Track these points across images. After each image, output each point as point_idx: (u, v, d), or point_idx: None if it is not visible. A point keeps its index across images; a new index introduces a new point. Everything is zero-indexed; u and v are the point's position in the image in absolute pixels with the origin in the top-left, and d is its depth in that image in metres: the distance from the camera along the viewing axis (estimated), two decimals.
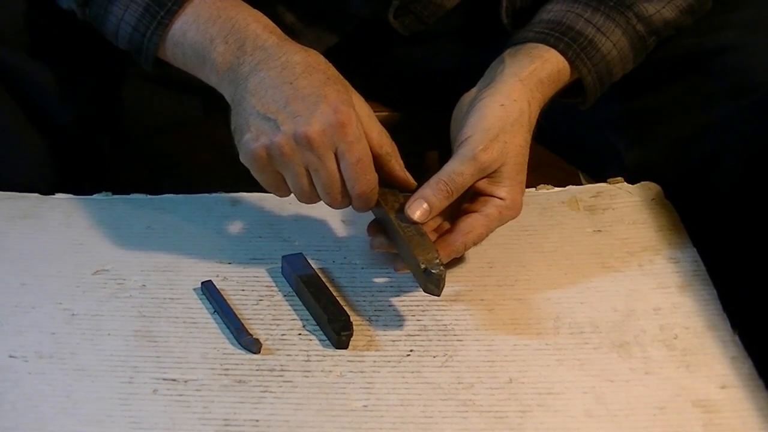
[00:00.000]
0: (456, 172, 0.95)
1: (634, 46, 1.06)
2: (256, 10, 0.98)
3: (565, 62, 1.03)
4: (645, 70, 1.09)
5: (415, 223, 0.94)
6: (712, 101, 1.08)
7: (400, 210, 0.95)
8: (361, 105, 0.95)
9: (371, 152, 0.94)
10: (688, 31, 1.10)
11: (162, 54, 0.99)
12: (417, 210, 0.94)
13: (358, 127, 0.92)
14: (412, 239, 0.93)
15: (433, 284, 0.92)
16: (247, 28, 0.96)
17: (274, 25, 0.98)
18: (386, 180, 0.96)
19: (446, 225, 0.98)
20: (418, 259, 0.92)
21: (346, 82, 0.95)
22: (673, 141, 1.10)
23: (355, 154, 0.91)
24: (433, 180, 0.95)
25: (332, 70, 0.94)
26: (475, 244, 0.97)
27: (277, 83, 0.92)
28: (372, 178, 0.93)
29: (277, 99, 0.92)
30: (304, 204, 0.97)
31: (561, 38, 1.03)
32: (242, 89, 0.93)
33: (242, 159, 0.94)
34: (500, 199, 0.96)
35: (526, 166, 0.98)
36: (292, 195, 0.96)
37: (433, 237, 0.96)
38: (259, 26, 0.96)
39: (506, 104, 0.98)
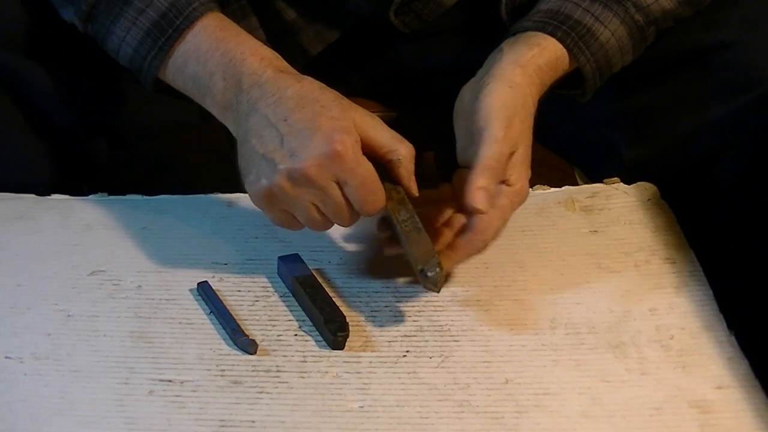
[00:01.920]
0: (498, 153, 0.94)
1: (633, 36, 1.06)
2: (254, 40, 0.98)
3: (564, 50, 1.02)
4: (643, 66, 1.09)
5: (413, 216, 0.93)
6: (711, 98, 1.08)
7: (400, 203, 0.94)
8: (364, 119, 0.94)
9: (382, 158, 0.94)
10: (687, 27, 1.10)
11: (162, 76, 1.00)
12: (481, 199, 0.93)
13: (355, 150, 0.91)
14: (409, 236, 0.93)
15: (431, 284, 0.92)
16: (243, 63, 0.95)
17: (271, 55, 0.97)
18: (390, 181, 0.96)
19: (456, 216, 0.97)
20: (416, 259, 0.92)
21: (347, 102, 0.94)
22: (672, 138, 1.10)
23: (358, 179, 0.91)
24: (481, 168, 0.93)
25: (327, 96, 0.93)
26: (494, 239, 0.96)
27: (273, 121, 0.92)
28: (379, 197, 0.92)
29: (274, 137, 0.91)
30: None
31: (559, 26, 1.02)
32: (243, 129, 0.94)
33: (251, 200, 0.94)
34: (509, 185, 0.96)
35: (531, 151, 0.98)
36: None
37: (446, 232, 0.96)
38: (255, 60, 0.95)
39: (513, 87, 0.97)
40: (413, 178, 0.96)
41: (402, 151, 0.94)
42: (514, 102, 0.97)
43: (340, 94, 0.94)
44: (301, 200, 0.92)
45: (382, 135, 0.94)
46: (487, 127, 0.95)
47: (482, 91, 0.97)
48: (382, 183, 0.94)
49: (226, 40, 0.97)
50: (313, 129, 0.90)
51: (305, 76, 0.95)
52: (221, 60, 0.96)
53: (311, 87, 0.94)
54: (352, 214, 0.93)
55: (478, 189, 0.93)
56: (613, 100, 1.12)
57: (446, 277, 0.96)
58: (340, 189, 0.91)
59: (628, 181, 1.11)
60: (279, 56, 0.97)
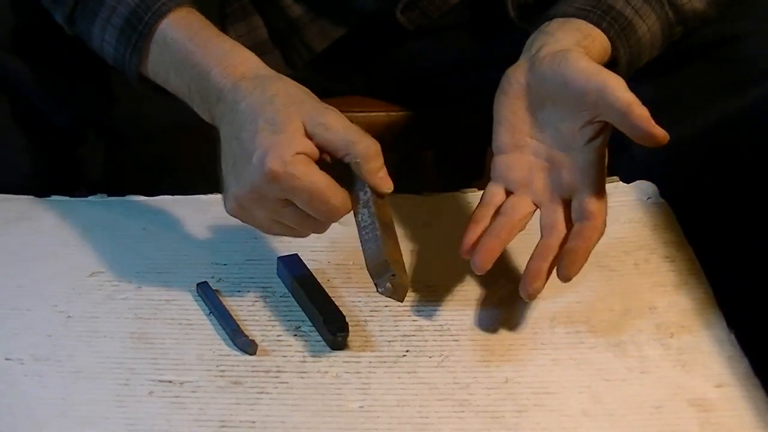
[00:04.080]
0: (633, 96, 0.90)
1: (664, 32, 1.05)
2: (220, 47, 0.95)
3: (608, 42, 1.00)
4: (660, 58, 1.08)
5: (373, 222, 0.89)
6: (723, 91, 1.08)
7: (365, 205, 0.90)
8: (315, 120, 0.88)
9: (341, 160, 0.89)
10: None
11: (146, 73, 0.99)
12: (650, 129, 0.87)
13: (293, 166, 0.86)
14: (366, 244, 0.89)
15: (388, 294, 0.88)
16: (209, 75, 0.93)
17: (237, 61, 0.94)
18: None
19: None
20: (369, 271, 0.89)
21: (293, 109, 0.89)
22: (681, 133, 1.09)
23: (303, 195, 0.87)
24: (636, 102, 0.89)
25: (273, 106, 0.89)
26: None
27: (229, 139, 0.91)
28: (337, 201, 0.88)
29: (228, 158, 0.91)
30: None
31: (603, 17, 1.00)
32: (219, 144, 0.93)
33: None
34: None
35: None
36: None
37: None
38: (218, 70, 0.93)
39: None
40: (379, 175, 0.90)
41: (359, 150, 0.89)
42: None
43: (296, 94, 0.90)
44: (261, 219, 0.91)
45: (336, 136, 0.89)
46: (605, 81, 0.90)
47: (567, 59, 0.92)
48: (353, 182, 0.90)
49: (193, 53, 0.95)
50: (251, 151, 0.88)
51: (265, 78, 0.92)
52: (191, 74, 0.95)
53: (261, 97, 0.90)
54: (317, 223, 0.90)
55: (650, 118, 0.87)
56: None
57: (405, 289, 0.89)
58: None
59: (636, 175, 1.10)
60: (247, 57, 0.94)
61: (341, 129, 0.89)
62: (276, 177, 0.86)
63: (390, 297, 0.89)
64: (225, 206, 0.93)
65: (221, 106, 0.92)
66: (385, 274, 0.88)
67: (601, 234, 0.93)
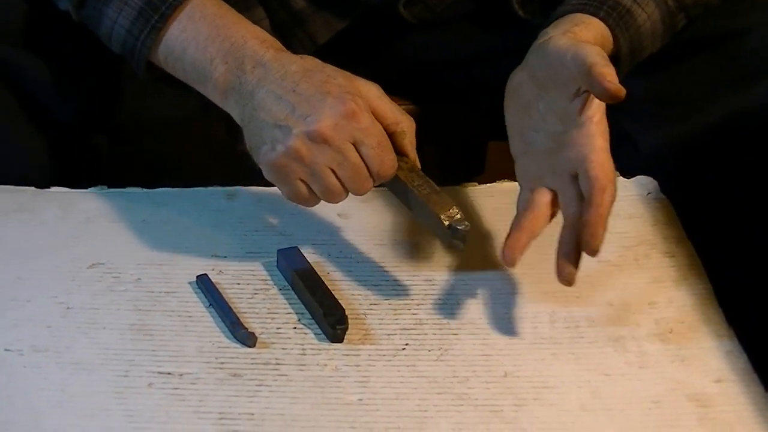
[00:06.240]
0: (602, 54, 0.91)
1: (665, 21, 1.05)
2: (253, 25, 0.99)
3: (608, 30, 1.00)
4: (664, 51, 1.08)
5: (427, 181, 0.94)
6: (726, 85, 1.08)
7: (411, 170, 0.95)
8: (368, 88, 0.95)
9: (386, 128, 0.94)
10: (711, 13, 1.09)
11: (156, 60, 1.00)
12: (602, 83, 0.88)
13: (368, 111, 0.92)
14: (429, 198, 0.93)
15: (459, 239, 0.92)
16: (245, 46, 0.96)
17: (272, 38, 0.98)
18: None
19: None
20: (441, 216, 0.92)
21: (349, 73, 0.95)
22: (691, 127, 1.09)
23: (374, 138, 0.92)
24: (601, 56, 0.90)
25: (330, 68, 0.95)
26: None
27: (281, 93, 0.93)
28: (393, 157, 0.94)
29: (284, 107, 0.92)
30: None
31: (600, 7, 1.01)
32: (249, 107, 0.94)
33: (266, 174, 0.94)
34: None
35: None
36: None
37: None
38: (256, 42, 0.97)
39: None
40: (415, 150, 0.96)
41: (406, 122, 0.96)
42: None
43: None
44: (318, 164, 0.92)
45: (386, 106, 0.95)
46: (580, 49, 0.91)
47: (549, 43, 0.94)
48: None
49: (226, 27, 0.97)
50: (323, 93, 0.92)
51: (306, 55, 0.97)
52: (222, 45, 0.96)
53: (313, 61, 0.95)
54: (368, 178, 0.93)
55: (611, 74, 0.88)
56: (629, 86, 1.11)
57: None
58: (357, 150, 0.92)
59: (639, 170, 1.10)
60: (277, 41, 0.98)
61: (390, 101, 0.96)
62: (355, 115, 0.91)
63: (461, 241, 0.92)
64: (266, 157, 0.93)
65: (259, 70, 0.95)
66: (456, 216, 0.92)
67: (612, 195, 0.91)
